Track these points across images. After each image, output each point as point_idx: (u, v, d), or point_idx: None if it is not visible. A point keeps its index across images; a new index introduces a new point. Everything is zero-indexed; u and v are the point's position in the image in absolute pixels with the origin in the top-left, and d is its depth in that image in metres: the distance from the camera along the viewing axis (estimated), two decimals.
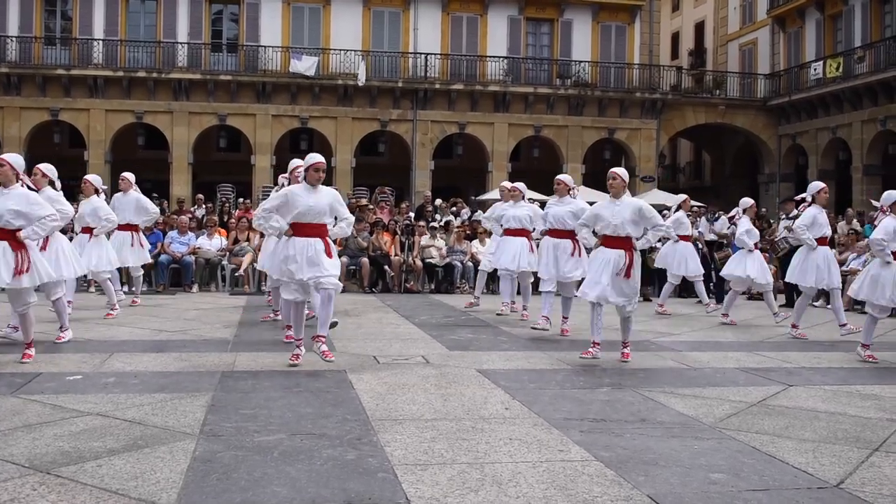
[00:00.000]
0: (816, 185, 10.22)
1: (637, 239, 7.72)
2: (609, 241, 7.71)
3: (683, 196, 14.08)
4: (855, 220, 18.25)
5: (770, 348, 9.11)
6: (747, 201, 12.30)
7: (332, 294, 7.12)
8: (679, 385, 6.74)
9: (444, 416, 5.41)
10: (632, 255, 7.63)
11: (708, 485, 4.13)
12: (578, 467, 4.35)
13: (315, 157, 7.30)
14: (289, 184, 8.28)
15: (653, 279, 15.92)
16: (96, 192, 10.52)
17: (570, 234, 9.62)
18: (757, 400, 6.18)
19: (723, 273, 12.48)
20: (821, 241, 9.94)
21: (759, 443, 4.94)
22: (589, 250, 8.81)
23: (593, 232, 8.02)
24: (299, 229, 7.14)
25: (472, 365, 7.38)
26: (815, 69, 29.64)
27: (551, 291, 10.04)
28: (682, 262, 12.93)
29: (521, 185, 11.48)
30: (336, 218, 7.45)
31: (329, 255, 7.18)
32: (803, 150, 31.25)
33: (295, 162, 8.75)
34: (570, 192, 10.08)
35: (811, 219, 9.88)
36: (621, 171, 7.95)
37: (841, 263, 14.73)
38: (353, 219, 8.03)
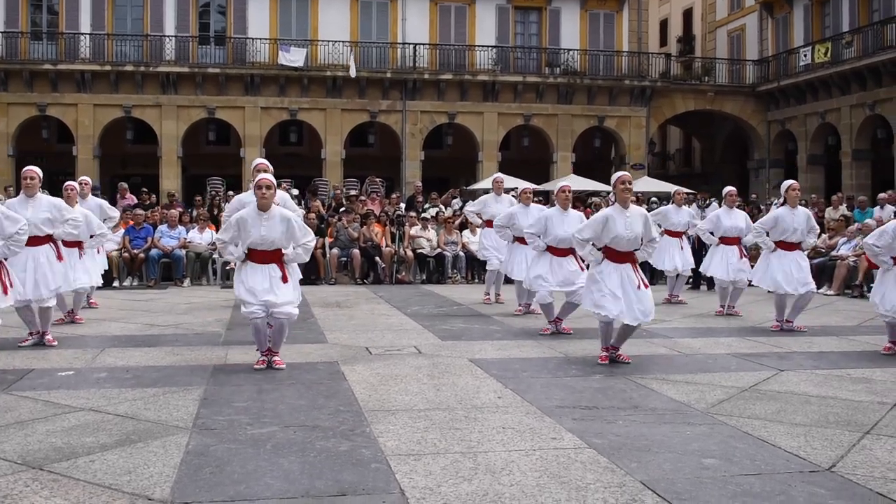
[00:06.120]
0: None
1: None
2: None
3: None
4: (843, 206, 18.25)
5: (761, 334, 9.14)
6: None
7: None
8: (671, 371, 6.76)
9: (437, 406, 5.42)
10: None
11: (700, 470, 4.15)
12: (571, 455, 4.37)
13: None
14: None
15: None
16: None
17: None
18: (748, 385, 6.21)
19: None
20: None
21: (751, 427, 4.96)
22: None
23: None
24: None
25: (465, 354, 7.40)
26: (803, 55, 29.66)
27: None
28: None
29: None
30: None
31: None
32: (792, 136, 31.27)
33: None
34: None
35: None
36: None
37: (831, 249, 14.80)
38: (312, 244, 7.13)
